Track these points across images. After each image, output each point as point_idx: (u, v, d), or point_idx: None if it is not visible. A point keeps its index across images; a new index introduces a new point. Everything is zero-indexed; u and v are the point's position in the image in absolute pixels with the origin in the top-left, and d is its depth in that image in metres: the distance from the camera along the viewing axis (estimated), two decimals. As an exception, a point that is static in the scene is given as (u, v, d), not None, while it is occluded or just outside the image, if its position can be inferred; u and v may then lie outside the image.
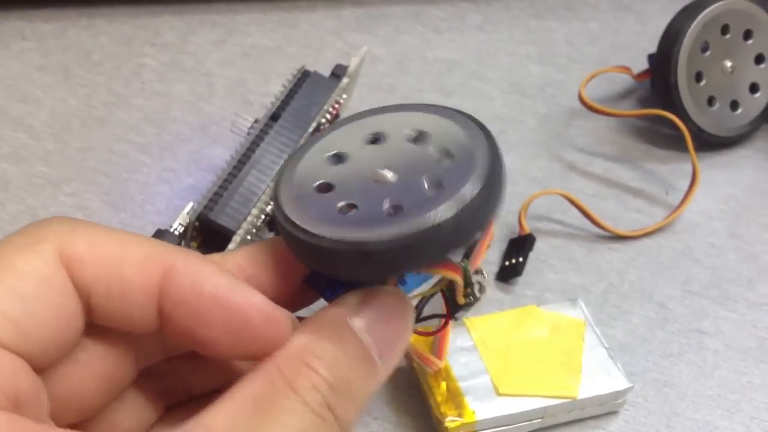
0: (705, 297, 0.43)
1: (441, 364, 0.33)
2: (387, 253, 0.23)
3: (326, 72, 0.44)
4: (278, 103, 0.41)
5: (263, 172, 0.39)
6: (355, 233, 0.23)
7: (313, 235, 0.23)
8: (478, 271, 0.28)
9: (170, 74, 0.53)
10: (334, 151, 0.26)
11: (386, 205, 0.24)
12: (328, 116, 0.42)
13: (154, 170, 0.47)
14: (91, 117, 0.50)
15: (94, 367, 0.24)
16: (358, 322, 0.23)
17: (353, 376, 0.22)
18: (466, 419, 0.34)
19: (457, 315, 0.29)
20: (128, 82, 0.53)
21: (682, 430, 0.38)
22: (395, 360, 0.24)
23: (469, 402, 0.35)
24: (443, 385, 0.36)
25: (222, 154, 0.48)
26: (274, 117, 0.41)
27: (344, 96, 0.44)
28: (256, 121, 0.41)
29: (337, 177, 0.25)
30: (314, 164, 0.26)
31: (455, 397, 0.35)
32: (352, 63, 0.44)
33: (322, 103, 0.42)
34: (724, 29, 0.50)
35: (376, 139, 0.27)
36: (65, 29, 0.56)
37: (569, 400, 0.36)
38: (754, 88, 0.52)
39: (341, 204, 0.24)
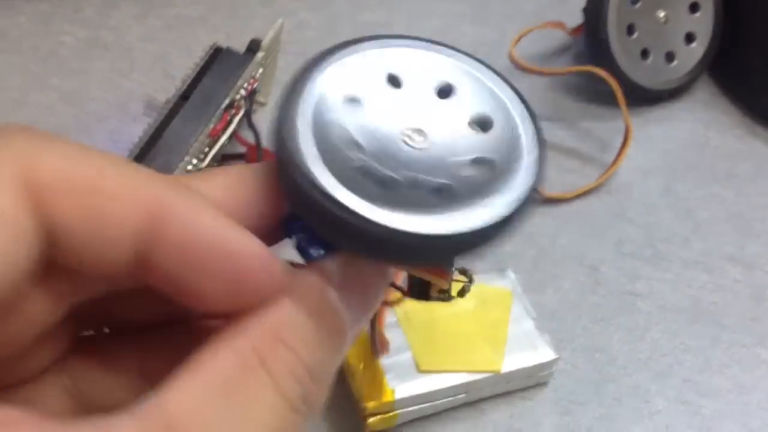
0: (638, 258, 0.42)
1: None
2: (451, 248, 0.19)
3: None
4: (189, 81, 0.40)
5: (172, 152, 0.38)
6: (415, 221, 0.19)
7: (361, 218, 0.19)
8: (464, 272, 0.25)
9: (89, 51, 0.51)
10: (353, 93, 0.21)
11: (427, 180, 0.20)
12: (243, 92, 0.41)
13: (70, 154, 0.45)
14: (5, 100, 0.48)
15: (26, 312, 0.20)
16: (335, 294, 0.20)
17: (327, 357, 0.20)
18: (385, 399, 0.34)
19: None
20: (45, 61, 0.51)
21: (611, 397, 0.37)
22: (358, 332, 0.21)
23: (389, 380, 0.34)
24: (362, 364, 0.35)
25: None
26: (185, 96, 0.39)
27: (260, 71, 0.42)
28: (166, 102, 0.40)
29: (362, 131, 0.20)
30: (333, 107, 0.20)
31: (375, 376, 0.34)
32: (267, 37, 0.42)
33: (234, 79, 0.40)
34: (655, -21, 0.49)
35: (394, 81, 0.22)
36: (-20, 8, 0.53)
37: (492, 374, 0.35)
38: (690, 38, 0.50)
39: (378, 173, 0.20)
